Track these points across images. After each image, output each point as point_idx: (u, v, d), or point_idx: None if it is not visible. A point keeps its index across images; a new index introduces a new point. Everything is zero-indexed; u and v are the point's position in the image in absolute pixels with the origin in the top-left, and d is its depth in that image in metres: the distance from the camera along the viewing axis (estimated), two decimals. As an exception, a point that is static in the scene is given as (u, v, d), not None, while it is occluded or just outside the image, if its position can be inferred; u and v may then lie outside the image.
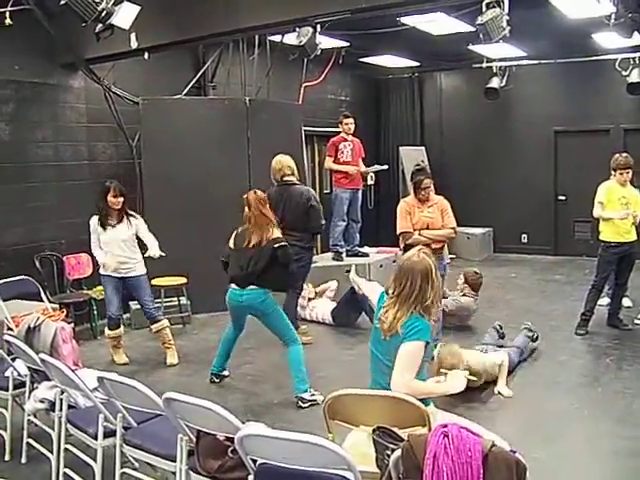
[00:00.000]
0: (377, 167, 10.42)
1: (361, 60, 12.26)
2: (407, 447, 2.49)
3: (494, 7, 7.03)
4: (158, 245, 6.72)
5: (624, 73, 11.58)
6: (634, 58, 11.52)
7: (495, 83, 12.57)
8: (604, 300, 8.04)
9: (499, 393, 5.76)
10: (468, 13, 7.87)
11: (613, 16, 6.83)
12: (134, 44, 7.26)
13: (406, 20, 8.60)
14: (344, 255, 9.66)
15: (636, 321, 7.91)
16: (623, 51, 11.42)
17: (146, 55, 7.63)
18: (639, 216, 7.33)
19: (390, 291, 3.66)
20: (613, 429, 5.06)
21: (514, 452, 2.66)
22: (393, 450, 2.65)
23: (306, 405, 5.57)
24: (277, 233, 5.69)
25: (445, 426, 2.47)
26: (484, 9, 6.95)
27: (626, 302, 8.53)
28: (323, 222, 7.33)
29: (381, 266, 9.71)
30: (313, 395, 5.62)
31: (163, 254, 6.67)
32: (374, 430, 2.91)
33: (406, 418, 3.15)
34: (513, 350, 6.46)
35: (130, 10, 6.27)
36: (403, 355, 3.49)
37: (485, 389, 5.79)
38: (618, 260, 7.48)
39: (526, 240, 13.27)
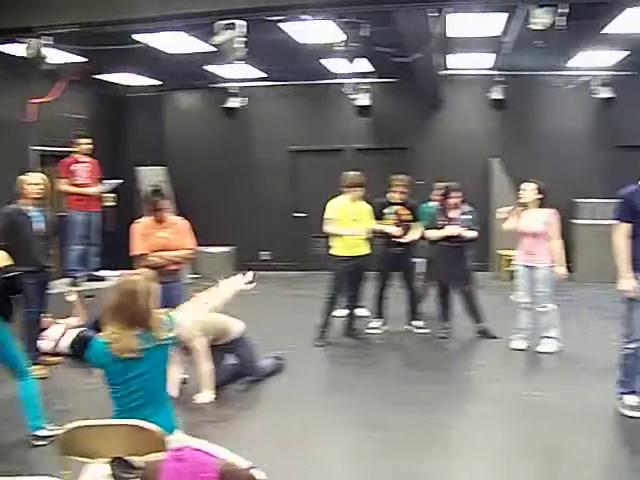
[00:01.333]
0: (112, 182, 9.96)
1: (99, 78, 11.90)
2: (143, 475, 2.45)
3: (229, 29, 7.18)
4: None
5: (353, 96, 12.37)
6: (362, 83, 12.34)
7: (232, 103, 12.84)
8: (341, 312, 8.45)
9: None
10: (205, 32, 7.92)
11: (340, 43, 7.30)
12: None
13: (139, 37, 8.47)
14: (81, 280, 9.22)
15: (368, 330, 8.44)
16: (351, 76, 12.20)
17: None
18: (369, 231, 7.84)
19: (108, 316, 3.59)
20: (355, 433, 5.36)
21: (251, 468, 2.72)
22: (131, 480, 2.60)
23: (44, 443, 5.21)
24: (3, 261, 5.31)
25: (179, 450, 2.46)
26: (218, 30, 7.07)
27: (362, 312, 9.07)
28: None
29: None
30: (52, 430, 5.29)
31: None
32: (111, 462, 2.82)
33: (144, 445, 3.08)
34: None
35: None
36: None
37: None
38: (350, 273, 7.92)
39: (268, 257, 13.62)
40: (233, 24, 7.20)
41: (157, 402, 3.52)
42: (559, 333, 7.39)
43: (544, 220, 7.33)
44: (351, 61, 7.68)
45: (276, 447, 5.01)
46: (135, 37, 8.51)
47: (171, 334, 3.57)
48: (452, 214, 7.92)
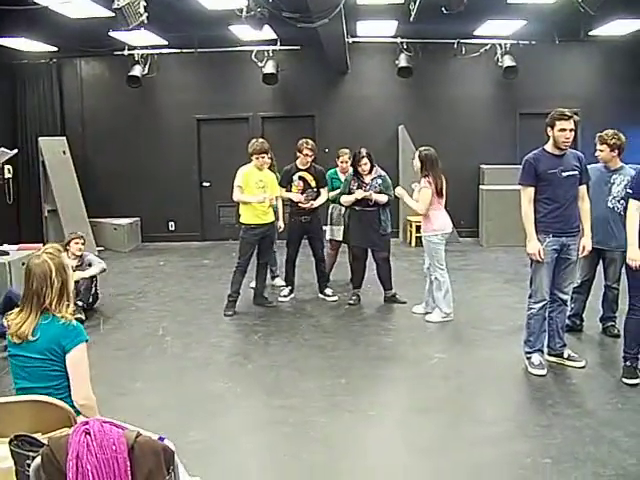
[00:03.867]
0: (6, 152, 9.44)
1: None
2: (47, 452, 2.32)
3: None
4: None
5: (260, 64, 12.22)
6: (268, 51, 12.21)
7: (137, 71, 12.45)
8: (253, 283, 8.38)
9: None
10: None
11: (245, 10, 7.14)
12: None
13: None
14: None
15: (280, 298, 8.39)
16: (259, 44, 12.06)
17: None
18: (274, 199, 7.78)
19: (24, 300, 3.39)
20: (266, 401, 5.32)
21: (162, 439, 2.62)
22: (34, 458, 2.45)
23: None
24: None
25: (86, 423, 2.34)
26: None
27: (277, 282, 9.04)
28: None
29: (23, 264, 9.06)
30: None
31: None
32: (11, 440, 2.66)
33: (50, 421, 2.94)
34: None
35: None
36: (77, 365, 3.28)
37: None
38: (258, 241, 7.84)
39: (173, 228, 13.37)
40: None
41: (56, 386, 3.33)
42: (446, 302, 7.40)
43: (420, 189, 7.41)
44: (258, 28, 7.54)
45: (181, 418, 4.93)
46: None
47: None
48: (365, 179, 7.90)
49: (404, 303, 8.02)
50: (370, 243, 8.03)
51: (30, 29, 10.50)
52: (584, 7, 6.45)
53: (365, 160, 7.85)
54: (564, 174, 5.48)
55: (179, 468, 2.65)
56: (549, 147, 5.56)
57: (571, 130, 5.42)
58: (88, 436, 2.29)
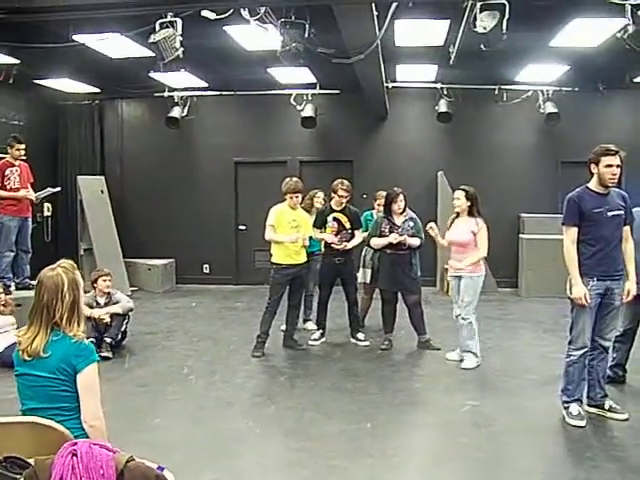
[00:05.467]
0: (49, 190, 9.56)
1: (36, 82, 11.43)
2: (30, 474, 2.15)
3: (167, 27, 6.94)
4: None
5: (298, 107, 12.20)
6: (307, 94, 12.20)
7: (176, 112, 12.52)
8: (283, 326, 8.19)
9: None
10: (144, 34, 7.61)
11: (280, 45, 7.07)
12: None
13: (78, 38, 8.12)
14: (12, 288, 8.82)
15: (310, 342, 8.17)
16: (298, 87, 12.06)
17: None
18: (307, 239, 7.62)
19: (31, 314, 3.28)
20: (286, 443, 5.10)
21: (162, 469, 2.43)
22: (19, 481, 2.27)
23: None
24: None
25: (75, 444, 2.16)
26: (157, 28, 6.84)
27: (309, 325, 8.83)
28: None
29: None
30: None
31: None
32: (0, 462, 2.49)
33: (47, 444, 2.77)
34: None
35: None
36: (89, 385, 3.16)
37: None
38: (290, 281, 7.67)
39: (208, 270, 13.27)
40: (171, 22, 7.00)
41: (64, 408, 3.18)
42: (477, 347, 7.16)
43: (471, 229, 7.15)
44: (293, 64, 7.46)
45: (198, 457, 4.74)
46: (74, 37, 8.18)
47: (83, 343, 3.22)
48: (397, 220, 7.72)
49: (438, 350, 7.74)
50: (401, 286, 7.81)
51: (72, 69, 10.65)
52: (629, 44, 6.25)
53: (401, 197, 7.68)
54: (609, 214, 5.22)
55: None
56: (593, 185, 5.31)
57: (617, 166, 5.18)
58: (75, 458, 2.12)
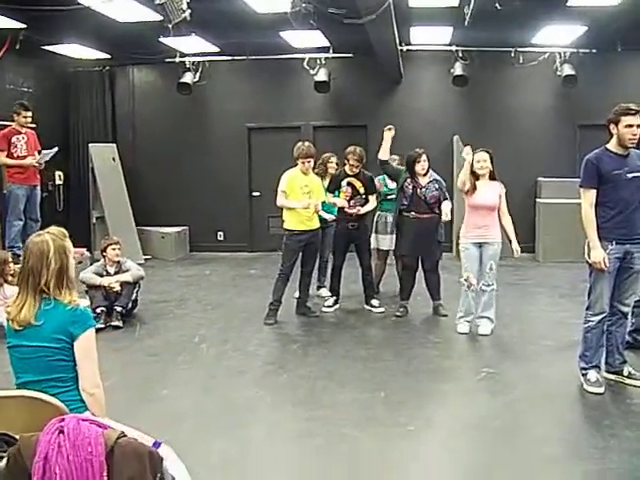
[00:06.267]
0: (49, 152, 9.26)
1: (44, 48, 11.23)
2: (14, 452, 2.04)
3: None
4: None
5: (312, 72, 12.00)
6: (320, 58, 11.99)
7: (188, 78, 12.34)
8: (297, 293, 8.07)
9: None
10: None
11: (289, 6, 6.90)
12: None
13: (83, 0, 7.94)
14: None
15: (323, 309, 8.06)
16: (311, 51, 11.84)
17: None
18: (319, 204, 7.47)
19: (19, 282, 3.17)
20: (297, 412, 5.01)
21: (158, 444, 2.33)
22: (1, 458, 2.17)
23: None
24: None
25: (62, 420, 2.05)
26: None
27: (323, 292, 8.70)
28: None
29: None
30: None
31: None
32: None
33: (41, 419, 2.67)
34: None
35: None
36: (87, 351, 3.05)
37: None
38: (303, 248, 7.55)
39: (222, 238, 13.17)
40: (177, -17, 6.84)
41: (61, 379, 3.08)
42: (494, 314, 7.05)
43: (498, 192, 6.96)
44: (303, 25, 7.29)
45: (206, 427, 4.67)
46: (80, 1, 8.00)
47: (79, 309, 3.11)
48: (421, 181, 7.55)
49: (445, 316, 7.62)
50: (425, 251, 7.63)
51: (81, 35, 10.46)
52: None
53: (424, 157, 7.50)
54: (629, 175, 5.03)
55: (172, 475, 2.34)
56: (612, 146, 5.11)
57: (638, 126, 4.97)
58: (61, 435, 2.01)
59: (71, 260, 3.16)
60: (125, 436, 2.10)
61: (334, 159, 8.72)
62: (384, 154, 7.66)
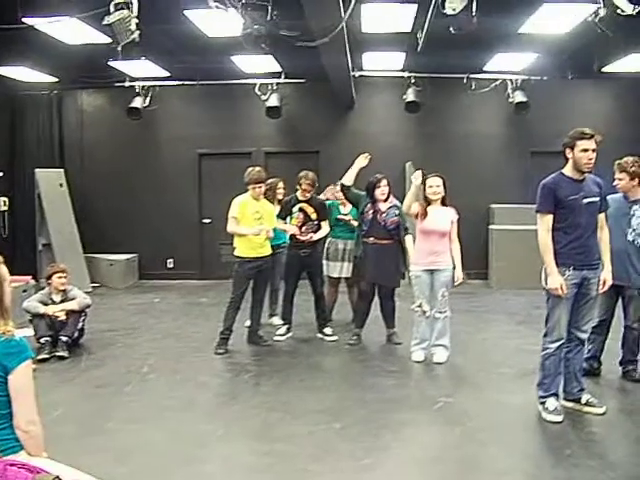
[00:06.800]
0: None
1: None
2: None
3: (122, 8, 6.62)
4: None
5: (263, 97, 11.90)
6: (272, 83, 11.92)
7: (138, 103, 12.13)
8: (248, 322, 7.87)
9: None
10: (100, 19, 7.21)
11: (241, 27, 6.78)
12: None
13: (28, 21, 7.71)
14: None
15: (275, 337, 7.88)
16: (262, 77, 11.77)
17: None
18: (270, 231, 7.31)
19: None
20: (251, 446, 4.82)
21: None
22: None
23: None
24: None
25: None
26: (112, 9, 6.53)
27: (275, 321, 8.51)
28: None
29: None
30: None
31: None
32: None
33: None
34: None
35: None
36: (22, 385, 2.79)
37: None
38: (254, 275, 7.38)
39: (172, 265, 12.90)
40: (126, 3, 6.67)
41: None
42: (449, 341, 6.95)
43: (450, 218, 6.90)
44: (255, 49, 7.16)
45: (154, 464, 4.43)
46: (25, 20, 7.77)
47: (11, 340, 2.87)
48: (381, 206, 7.43)
49: (399, 344, 7.50)
50: (383, 278, 7.47)
51: (28, 57, 10.20)
52: (601, 28, 6.06)
53: (384, 182, 7.40)
54: (585, 201, 5.00)
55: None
56: (568, 171, 5.08)
57: (593, 150, 4.95)
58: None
59: (6, 288, 2.94)
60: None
61: (281, 184, 8.60)
62: (348, 180, 7.54)
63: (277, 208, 8.00)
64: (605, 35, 6.28)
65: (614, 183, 5.96)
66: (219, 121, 12.56)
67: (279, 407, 5.55)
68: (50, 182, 11.86)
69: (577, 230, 5.01)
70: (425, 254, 6.82)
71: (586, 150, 4.94)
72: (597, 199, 5.08)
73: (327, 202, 8.19)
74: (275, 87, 11.95)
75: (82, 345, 7.62)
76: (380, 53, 10.48)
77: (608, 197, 5.43)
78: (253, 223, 7.28)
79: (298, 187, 7.77)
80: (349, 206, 8.02)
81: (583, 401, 5.29)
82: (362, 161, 7.54)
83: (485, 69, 11.26)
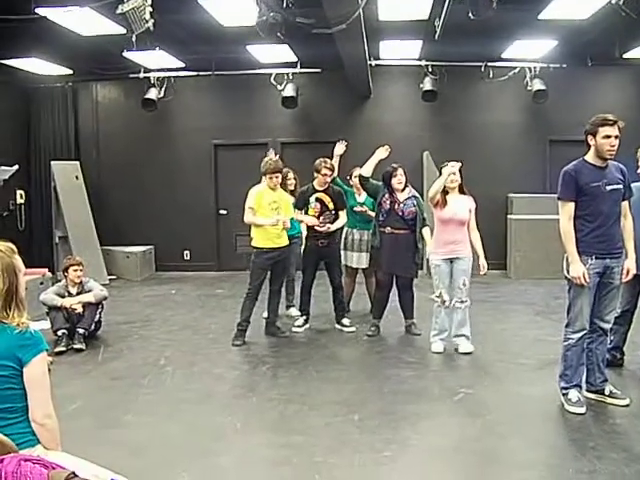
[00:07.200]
0: (7, 169, 8.87)
1: (3, 62, 10.89)
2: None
3: (135, -4, 6.57)
4: None
5: (279, 87, 11.82)
6: (288, 73, 11.83)
7: (153, 94, 12.08)
8: (265, 313, 7.82)
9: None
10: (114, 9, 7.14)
11: (256, 15, 6.69)
12: None
13: (41, 11, 7.66)
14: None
15: (293, 328, 7.83)
16: (278, 66, 11.67)
17: None
18: (288, 221, 7.23)
19: None
20: (268, 438, 4.76)
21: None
22: None
23: None
24: None
25: (1, 461, 1.79)
26: (124, -1, 6.47)
27: (292, 312, 8.46)
28: None
29: (25, 288, 8.60)
30: None
31: None
32: None
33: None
34: None
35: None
36: (37, 378, 2.76)
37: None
38: (271, 266, 7.32)
39: (189, 257, 12.87)
40: (140, -8, 6.61)
41: (9, 409, 2.80)
42: (469, 331, 6.86)
43: (469, 207, 6.80)
44: (271, 36, 7.06)
45: (171, 456, 4.38)
46: (38, 11, 7.72)
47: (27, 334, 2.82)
48: (399, 196, 7.35)
49: (418, 335, 7.43)
50: (400, 268, 7.39)
51: (42, 49, 10.15)
52: (625, 10, 5.93)
53: (400, 172, 7.31)
54: (608, 188, 4.89)
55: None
56: (590, 158, 4.97)
57: (616, 137, 4.84)
58: (-4, 479, 1.74)
59: (21, 279, 2.90)
60: (76, 477, 1.85)
61: (292, 174, 8.52)
62: (367, 171, 7.45)
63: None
64: (628, 19, 6.14)
65: (638, 171, 5.84)
66: (235, 112, 12.48)
67: (296, 399, 5.49)
68: (66, 174, 11.86)
69: (599, 218, 4.90)
70: (444, 243, 6.74)
71: (609, 136, 4.83)
72: (620, 186, 4.97)
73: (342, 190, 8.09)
74: (291, 77, 11.86)
75: (99, 337, 7.60)
76: (397, 41, 10.34)
77: (633, 184, 5.32)
78: (270, 213, 7.21)
79: (316, 174, 7.66)
80: (364, 194, 7.92)
81: (606, 392, 5.20)
82: (382, 153, 7.46)
83: (503, 57, 11.09)
